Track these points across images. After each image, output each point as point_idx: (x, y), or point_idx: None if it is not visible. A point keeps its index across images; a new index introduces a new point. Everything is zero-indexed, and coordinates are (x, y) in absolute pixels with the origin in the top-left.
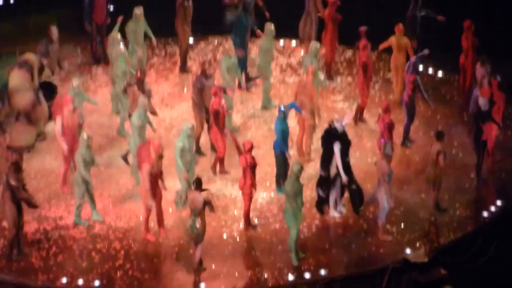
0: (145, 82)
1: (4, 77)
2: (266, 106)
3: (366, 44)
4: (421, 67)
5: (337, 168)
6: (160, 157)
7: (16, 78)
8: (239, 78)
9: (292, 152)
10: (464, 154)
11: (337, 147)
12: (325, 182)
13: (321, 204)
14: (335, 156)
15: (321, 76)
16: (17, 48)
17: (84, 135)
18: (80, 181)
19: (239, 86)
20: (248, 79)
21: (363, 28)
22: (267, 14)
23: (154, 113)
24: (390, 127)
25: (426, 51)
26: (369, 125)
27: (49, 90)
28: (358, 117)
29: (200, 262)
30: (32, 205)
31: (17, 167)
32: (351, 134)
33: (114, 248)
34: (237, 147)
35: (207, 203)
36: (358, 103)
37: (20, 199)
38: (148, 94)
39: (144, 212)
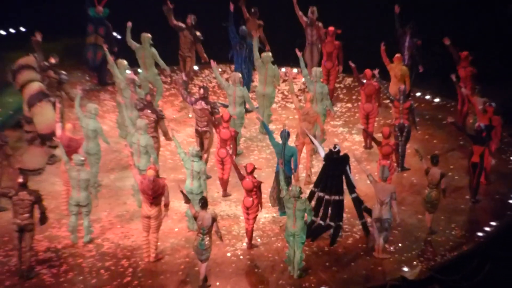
0: (157, 105)
1: (18, 103)
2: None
3: (373, 73)
4: (418, 94)
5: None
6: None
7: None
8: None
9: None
10: (460, 177)
11: (348, 169)
12: (324, 208)
13: (319, 231)
14: (349, 177)
15: (327, 101)
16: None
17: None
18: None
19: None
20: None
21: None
22: (267, 47)
23: (166, 134)
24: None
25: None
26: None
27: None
28: (369, 144)
29: (205, 279)
30: (46, 218)
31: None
32: (351, 158)
33: (122, 266)
34: (237, 172)
35: (215, 220)
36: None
37: (42, 211)
38: (161, 116)
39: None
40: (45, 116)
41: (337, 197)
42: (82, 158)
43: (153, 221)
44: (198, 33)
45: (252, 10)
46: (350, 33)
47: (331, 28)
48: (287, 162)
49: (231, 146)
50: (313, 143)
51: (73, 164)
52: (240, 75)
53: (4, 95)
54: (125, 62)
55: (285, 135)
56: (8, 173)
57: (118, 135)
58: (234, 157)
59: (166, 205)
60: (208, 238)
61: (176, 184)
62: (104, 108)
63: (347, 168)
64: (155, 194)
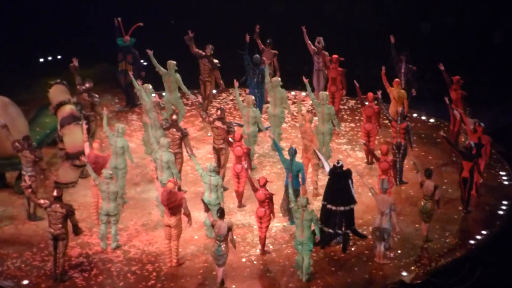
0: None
1: (53, 123)
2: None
3: (374, 96)
4: (414, 115)
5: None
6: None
7: (71, 133)
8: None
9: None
10: (452, 190)
11: (351, 182)
12: (339, 218)
13: (328, 239)
14: (351, 190)
15: (335, 120)
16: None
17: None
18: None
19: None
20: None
21: (370, 95)
22: (278, 73)
23: (191, 150)
24: (390, 166)
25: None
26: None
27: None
28: (370, 160)
29: (222, 282)
30: (80, 230)
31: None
32: (354, 173)
33: (147, 270)
34: (251, 184)
35: (230, 229)
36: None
37: (74, 223)
38: (185, 133)
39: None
40: (73, 137)
41: (342, 208)
42: (110, 172)
43: (173, 230)
44: (215, 61)
45: (268, 41)
46: (352, 61)
47: (335, 56)
48: (295, 177)
49: (246, 161)
50: (320, 159)
51: (102, 179)
52: (253, 97)
53: (42, 116)
54: (150, 86)
55: (292, 152)
56: (44, 185)
57: (144, 152)
58: (249, 171)
59: (186, 215)
60: (224, 245)
61: (196, 196)
62: (132, 128)
63: (350, 182)
64: (170, 204)
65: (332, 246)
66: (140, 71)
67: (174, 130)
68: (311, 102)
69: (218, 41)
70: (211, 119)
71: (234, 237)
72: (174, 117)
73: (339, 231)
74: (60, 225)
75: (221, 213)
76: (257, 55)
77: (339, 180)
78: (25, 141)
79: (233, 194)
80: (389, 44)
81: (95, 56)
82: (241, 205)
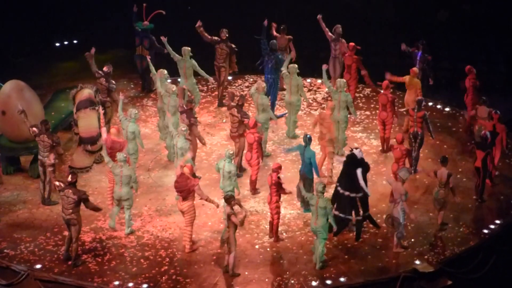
0: (194, 112)
1: (70, 107)
2: (292, 136)
3: (388, 84)
4: (430, 103)
5: (361, 188)
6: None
7: (86, 118)
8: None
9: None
10: (467, 179)
11: (359, 171)
12: (344, 202)
13: (342, 225)
14: (357, 179)
15: (351, 108)
16: (80, 83)
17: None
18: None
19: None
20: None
21: (385, 82)
22: (293, 53)
23: (200, 139)
24: (406, 155)
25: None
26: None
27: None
28: (386, 148)
29: (234, 268)
30: (99, 209)
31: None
32: (369, 161)
33: (160, 256)
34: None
35: (229, 216)
36: (381, 136)
37: (91, 208)
38: (194, 122)
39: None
40: (87, 121)
41: (347, 193)
42: (125, 155)
43: (185, 215)
44: (233, 45)
45: (282, 27)
46: (368, 49)
47: (351, 44)
48: (307, 164)
49: (257, 149)
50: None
51: (116, 162)
52: (264, 84)
53: (57, 100)
54: (165, 72)
55: (307, 139)
56: (60, 170)
57: (159, 138)
58: (260, 159)
59: (208, 201)
60: (227, 230)
61: (211, 182)
62: (147, 113)
63: (359, 171)
64: (179, 189)
65: (345, 234)
66: (157, 52)
67: (185, 116)
68: (327, 89)
69: (233, 27)
70: (232, 104)
71: (238, 220)
72: (190, 105)
73: (349, 217)
74: (70, 211)
75: (226, 200)
76: (274, 41)
77: (348, 166)
78: (43, 125)
79: (248, 181)
80: (405, 34)
81: (111, 41)
82: (255, 192)
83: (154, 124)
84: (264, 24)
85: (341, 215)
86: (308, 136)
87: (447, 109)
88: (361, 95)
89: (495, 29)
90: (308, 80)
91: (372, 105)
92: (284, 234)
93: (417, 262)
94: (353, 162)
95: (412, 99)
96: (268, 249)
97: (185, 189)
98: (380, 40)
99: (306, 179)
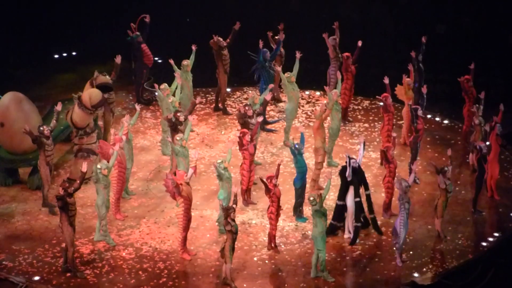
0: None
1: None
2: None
3: (388, 95)
4: (429, 116)
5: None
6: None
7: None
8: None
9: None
10: (466, 191)
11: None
12: (341, 213)
13: (334, 229)
14: (350, 188)
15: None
16: (76, 94)
17: (98, 166)
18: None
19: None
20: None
21: (386, 81)
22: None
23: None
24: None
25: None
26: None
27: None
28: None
29: (230, 281)
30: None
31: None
32: (368, 173)
33: (159, 268)
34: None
35: (224, 226)
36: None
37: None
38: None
39: (180, 234)
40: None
41: (338, 202)
42: (103, 166)
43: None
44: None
45: (276, 38)
46: (367, 61)
47: (346, 54)
48: (297, 174)
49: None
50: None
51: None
52: (256, 96)
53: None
54: (165, 85)
55: (296, 151)
56: (57, 182)
57: (162, 152)
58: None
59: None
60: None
61: (209, 194)
62: (146, 125)
63: (344, 179)
64: (167, 190)
65: (344, 246)
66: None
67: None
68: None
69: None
70: (250, 113)
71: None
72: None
73: (338, 224)
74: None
75: (223, 210)
76: (266, 50)
77: (342, 176)
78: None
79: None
80: (405, 45)
81: (111, 52)
82: (247, 203)
83: (153, 136)
84: (260, 46)
85: (333, 222)
86: (297, 145)
87: (445, 121)
88: (360, 107)
89: (494, 42)
90: (307, 93)
91: (371, 117)
92: (283, 246)
93: (416, 274)
94: (341, 172)
95: (406, 111)
96: (266, 261)
97: (168, 191)
98: (378, 52)
99: (296, 190)
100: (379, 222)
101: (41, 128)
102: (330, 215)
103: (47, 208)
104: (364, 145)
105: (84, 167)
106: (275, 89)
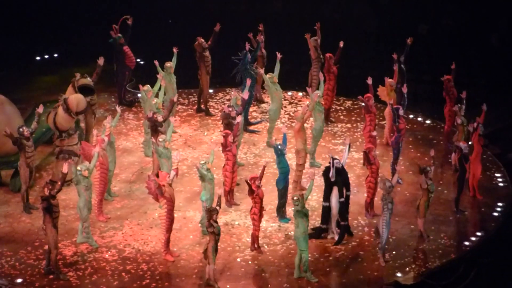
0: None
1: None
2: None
3: (370, 96)
4: (411, 116)
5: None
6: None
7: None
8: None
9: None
10: (448, 191)
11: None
12: (328, 214)
13: (320, 232)
14: (334, 188)
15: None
16: (61, 97)
17: (78, 167)
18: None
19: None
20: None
21: (370, 81)
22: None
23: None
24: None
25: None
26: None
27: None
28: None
29: (213, 282)
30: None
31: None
32: (351, 174)
33: (142, 269)
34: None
35: (207, 228)
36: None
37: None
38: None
39: (163, 235)
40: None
41: (323, 203)
42: (84, 168)
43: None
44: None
45: (256, 39)
46: (349, 62)
47: (328, 55)
48: (280, 175)
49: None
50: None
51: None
52: (238, 96)
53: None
54: (148, 86)
55: (278, 151)
56: (39, 184)
57: (144, 154)
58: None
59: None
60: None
61: (192, 195)
62: (128, 127)
63: (327, 180)
64: (150, 192)
65: (327, 246)
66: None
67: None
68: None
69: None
70: (234, 114)
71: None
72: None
73: (323, 226)
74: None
75: (207, 212)
76: (248, 52)
77: (326, 177)
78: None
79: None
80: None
81: (92, 54)
82: (230, 204)
83: (136, 137)
84: (246, 49)
85: (321, 226)
86: (279, 147)
87: (427, 121)
88: (342, 107)
89: (476, 43)
90: (289, 93)
91: (353, 118)
92: (266, 247)
93: (399, 274)
94: (325, 172)
95: (388, 111)
96: (249, 262)
97: (150, 193)
98: (360, 52)
99: (278, 190)
100: (362, 222)
101: (21, 129)
102: (312, 216)
103: (25, 210)
104: (349, 147)
105: (65, 168)
106: (257, 90)
